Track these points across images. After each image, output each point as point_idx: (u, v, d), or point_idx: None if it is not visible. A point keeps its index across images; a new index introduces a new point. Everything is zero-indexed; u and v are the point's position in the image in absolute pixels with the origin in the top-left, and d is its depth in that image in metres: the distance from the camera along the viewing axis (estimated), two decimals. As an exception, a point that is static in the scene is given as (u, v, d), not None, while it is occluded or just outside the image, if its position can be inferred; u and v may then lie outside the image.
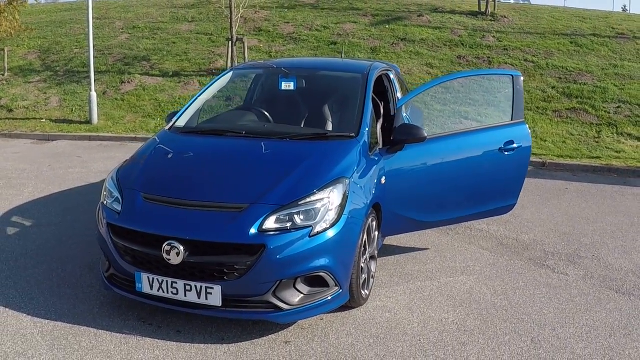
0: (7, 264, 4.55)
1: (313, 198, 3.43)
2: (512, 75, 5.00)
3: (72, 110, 11.45)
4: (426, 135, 4.25)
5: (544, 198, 7.00)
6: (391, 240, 5.15)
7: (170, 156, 4.10)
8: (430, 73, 12.24)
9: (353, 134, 4.12)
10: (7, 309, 3.81)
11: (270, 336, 3.53)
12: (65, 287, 4.17)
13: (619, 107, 10.63)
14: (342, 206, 3.49)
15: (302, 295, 3.36)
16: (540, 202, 6.82)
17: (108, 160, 8.50)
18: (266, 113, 4.77)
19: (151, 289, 3.41)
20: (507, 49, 13.33)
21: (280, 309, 3.32)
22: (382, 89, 5.27)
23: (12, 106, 11.67)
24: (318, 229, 3.35)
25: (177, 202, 3.51)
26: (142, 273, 3.42)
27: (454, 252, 5.09)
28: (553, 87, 11.58)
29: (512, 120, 4.91)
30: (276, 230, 3.29)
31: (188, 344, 3.43)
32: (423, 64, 12.55)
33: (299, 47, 13.65)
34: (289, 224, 3.32)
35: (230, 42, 11.92)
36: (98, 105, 10.85)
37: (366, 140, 4.12)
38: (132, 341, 3.45)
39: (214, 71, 12.14)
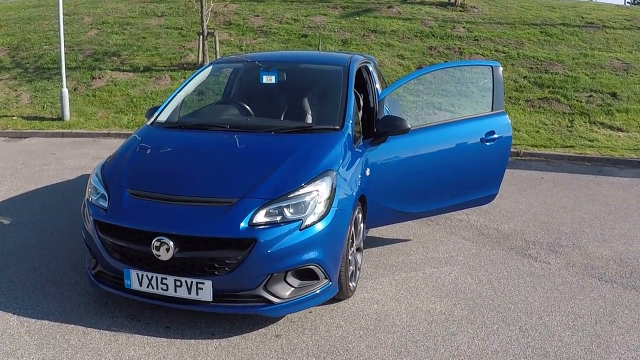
0: (-14, 264, 4.43)
1: (302, 191, 3.41)
2: (491, 66, 5.03)
3: (44, 107, 11.19)
4: (409, 126, 4.25)
5: (520, 188, 7.09)
6: (373, 232, 5.16)
7: (155, 151, 4.03)
8: (401, 64, 12.28)
9: (337, 127, 4.10)
10: (-9, 310, 3.71)
11: (260, 330, 3.51)
12: (50, 285, 4.08)
13: (590, 96, 10.82)
14: (331, 199, 3.47)
15: (293, 289, 3.34)
16: (517, 191, 6.91)
17: (82, 157, 8.33)
18: (248, 107, 4.71)
19: (140, 285, 3.36)
20: (477, 40, 13.45)
21: (271, 303, 3.30)
22: (362, 81, 5.25)
23: (-19, 104, 11.35)
24: (308, 222, 3.33)
25: (165, 197, 3.45)
26: (130, 270, 3.36)
27: (436, 243, 5.13)
28: (525, 77, 11.73)
29: (492, 110, 4.95)
30: (266, 224, 3.26)
31: (178, 340, 3.39)
32: (394, 56, 12.59)
33: (269, 41, 13.55)
34: (278, 218, 3.29)
35: (201, 36, 11.77)
36: (70, 102, 10.61)
37: (350, 132, 4.11)
38: (122, 338, 3.40)
39: (185, 65, 11.99)
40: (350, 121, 4.18)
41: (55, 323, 3.55)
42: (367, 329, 3.58)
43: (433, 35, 13.71)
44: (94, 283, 3.65)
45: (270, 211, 3.30)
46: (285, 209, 3.32)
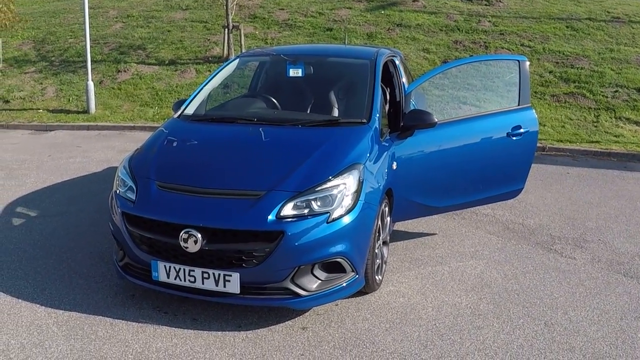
0: (15, 255, 4.52)
1: (329, 184, 3.42)
2: (518, 60, 5.00)
3: (69, 100, 11.35)
4: (436, 120, 4.23)
5: (546, 182, 7.02)
6: (399, 226, 5.16)
7: (182, 144, 4.07)
8: (427, 58, 12.20)
9: (364, 120, 4.11)
10: (20, 300, 3.79)
11: (287, 322, 3.54)
12: (77, 277, 4.15)
13: (616, 91, 10.65)
14: (358, 192, 3.48)
15: (320, 281, 3.36)
16: (542, 186, 6.84)
17: (108, 150, 8.45)
18: (274, 100, 4.73)
19: (168, 277, 3.40)
20: (503, 34, 13.30)
21: (298, 295, 3.32)
22: (388, 75, 5.24)
23: (9, 97, 11.55)
24: (335, 215, 3.34)
25: (193, 189, 3.48)
26: (158, 261, 3.40)
27: (462, 237, 5.11)
28: (550, 72, 11.58)
29: (519, 105, 4.92)
30: (294, 216, 3.28)
31: (205, 332, 3.43)
32: (420, 49, 12.51)
33: (294, 34, 13.55)
34: (306, 211, 3.30)
35: (226, 30, 11.82)
36: (95, 95, 10.75)
37: (377, 126, 4.11)
38: (149, 330, 3.45)
39: (210, 59, 12.05)
40: (377, 115, 4.18)
41: (83, 314, 3.61)
42: (393, 322, 3.59)
43: (458, 29, 13.59)
44: (122, 275, 3.69)
45: (298, 204, 3.32)
46: (312, 202, 3.34)
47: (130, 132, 9.70)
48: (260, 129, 4.10)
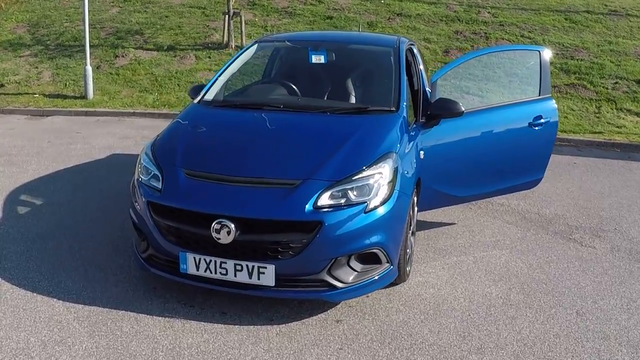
0: (25, 245, 4.32)
1: (366, 173, 3.32)
2: (538, 51, 4.95)
3: (66, 84, 11.08)
4: (464, 109, 4.14)
5: (555, 172, 6.98)
6: (418, 216, 5.07)
7: (208, 131, 3.93)
8: (428, 48, 12.10)
9: (393, 109, 4.01)
10: (36, 294, 3.59)
11: (319, 315, 3.43)
12: (92, 268, 3.97)
13: (616, 82, 10.65)
14: (393, 182, 3.39)
15: (356, 273, 3.26)
16: (553, 176, 6.79)
17: (109, 136, 8.24)
18: (295, 87, 4.61)
19: (197, 269, 3.24)
20: (502, 25, 13.23)
21: (334, 287, 3.21)
22: (408, 63, 5.14)
23: (3, 81, 11.25)
24: (372, 205, 3.25)
25: (224, 178, 3.32)
26: (187, 253, 3.23)
27: (481, 227, 5.05)
28: (551, 63, 11.46)
29: (539, 95, 4.87)
30: (331, 206, 3.16)
31: (237, 326, 3.30)
32: (421, 39, 12.40)
33: (294, 22, 13.36)
34: (343, 200, 3.19)
35: (226, 16, 11.60)
36: (93, 80, 10.50)
37: (405, 115, 4.01)
38: (177, 325, 3.30)
39: (210, 45, 11.84)
40: (405, 103, 4.09)
41: (104, 309, 3.44)
42: (427, 314, 3.52)
43: (458, 20, 13.48)
44: (144, 267, 3.52)
45: (334, 194, 3.21)
46: (349, 192, 3.23)
47: (130, 119, 9.48)
48: (289, 116, 3.98)
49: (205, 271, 3.23)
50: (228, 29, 11.41)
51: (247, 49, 5.01)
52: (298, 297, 3.32)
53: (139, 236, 3.58)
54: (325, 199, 3.17)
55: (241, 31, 11.44)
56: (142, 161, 3.72)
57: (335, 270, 3.20)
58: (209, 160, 3.53)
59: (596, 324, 3.48)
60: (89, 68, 10.40)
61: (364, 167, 3.34)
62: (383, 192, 3.30)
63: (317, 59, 4.62)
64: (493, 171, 4.66)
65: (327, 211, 3.13)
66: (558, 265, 4.32)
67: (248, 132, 3.88)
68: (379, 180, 3.31)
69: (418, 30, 12.95)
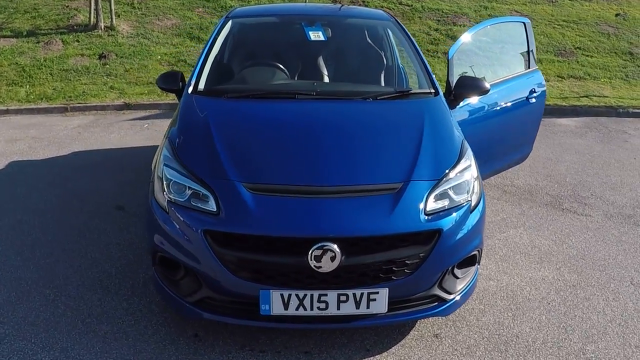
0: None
1: (459, 167, 3.09)
2: (524, 23, 5.07)
3: None
4: (489, 87, 4.06)
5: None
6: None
7: (243, 130, 3.33)
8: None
9: (432, 91, 3.81)
10: None
11: (412, 334, 3.17)
12: (95, 320, 3.32)
13: (502, 47, 11.41)
14: (477, 174, 3.21)
15: (458, 280, 3.04)
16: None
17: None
18: (296, 69, 4.21)
19: (286, 308, 2.71)
20: (379, -8, 13.47)
21: (444, 301, 2.97)
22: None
23: None
24: (473, 202, 3.04)
25: (304, 190, 2.83)
26: (271, 291, 2.70)
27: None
28: (436, 30, 12.04)
29: (529, 68, 5.01)
30: (440, 210, 2.88)
31: None
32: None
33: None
34: (446, 202, 2.92)
35: (90, -7, 10.31)
36: None
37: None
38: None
39: (75, 27, 10.46)
40: (437, 83, 3.91)
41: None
42: (511, 309, 3.47)
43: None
44: (193, 313, 2.91)
45: (438, 195, 2.92)
46: (449, 191, 2.96)
47: (4, 117, 7.93)
48: (329, 106, 3.59)
49: (297, 309, 2.71)
50: (96, 9, 10.15)
51: (220, 28, 4.39)
52: (410, 320, 3.00)
53: (176, 275, 2.94)
54: (431, 203, 2.87)
55: (110, 10, 10.25)
56: (167, 175, 3.00)
57: (445, 282, 2.95)
58: (272, 169, 2.99)
59: (659, 293, 3.72)
60: None
61: (455, 161, 3.10)
62: (476, 187, 3.11)
63: (316, 35, 4.22)
64: (502, 147, 4.73)
65: (441, 217, 2.85)
66: (577, 238, 4.51)
67: (293, 128, 3.37)
68: (472, 173, 3.11)
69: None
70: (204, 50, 4.11)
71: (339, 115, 3.51)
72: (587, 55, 11.33)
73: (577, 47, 11.54)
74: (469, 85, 3.99)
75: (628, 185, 5.77)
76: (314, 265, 2.62)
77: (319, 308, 2.71)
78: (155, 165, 3.32)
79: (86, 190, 5.24)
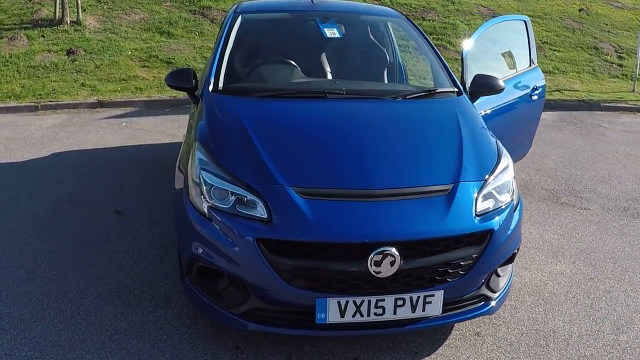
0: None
1: (500, 167, 3.11)
2: (524, 21, 5.14)
3: None
4: (504, 85, 4.10)
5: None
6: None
7: (283, 131, 3.23)
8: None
9: (455, 89, 3.82)
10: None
11: (454, 333, 3.18)
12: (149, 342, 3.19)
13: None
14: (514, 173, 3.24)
15: (500, 278, 3.07)
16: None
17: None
18: (313, 67, 4.17)
19: (342, 316, 2.65)
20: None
21: (489, 300, 3.00)
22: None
23: None
24: (515, 202, 3.08)
25: (354, 193, 2.77)
26: (328, 298, 2.63)
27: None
28: (406, 25, 12.12)
29: (530, 65, 5.10)
30: (489, 210, 2.89)
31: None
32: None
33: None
34: (492, 202, 2.94)
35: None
36: None
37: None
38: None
39: (40, 22, 10.02)
40: (458, 82, 3.93)
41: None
42: (541, 304, 3.54)
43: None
44: (239, 324, 2.80)
45: (485, 195, 2.93)
46: (493, 191, 2.98)
47: None
48: (361, 105, 3.56)
49: (353, 316, 2.66)
50: (61, 3, 9.76)
51: (231, 23, 4.24)
52: (462, 320, 2.99)
53: (218, 286, 2.84)
54: (480, 204, 2.89)
55: (77, 4, 9.87)
56: (206, 180, 2.84)
57: (492, 281, 2.98)
58: (321, 172, 2.91)
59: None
60: None
61: (496, 161, 3.12)
62: (514, 186, 3.14)
63: (331, 32, 4.17)
64: (505, 146, 4.76)
65: (490, 217, 2.86)
66: (582, 231, 4.63)
67: (333, 128, 3.28)
68: (511, 173, 3.15)
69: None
70: (217, 46, 3.96)
71: (375, 115, 3.47)
72: (555, 50, 11.65)
73: (544, 42, 11.84)
74: (485, 83, 4.01)
75: (617, 178, 5.95)
76: (373, 271, 2.59)
77: (375, 314, 2.68)
78: (182, 167, 3.21)
79: (77, 193, 5.03)
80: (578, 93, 9.82)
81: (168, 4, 11.34)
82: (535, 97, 4.93)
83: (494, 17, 12.35)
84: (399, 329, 2.85)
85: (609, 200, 5.32)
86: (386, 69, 4.43)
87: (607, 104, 9.38)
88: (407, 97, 3.68)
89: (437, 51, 4.23)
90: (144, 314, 3.29)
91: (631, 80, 10.48)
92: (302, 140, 3.17)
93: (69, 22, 9.91)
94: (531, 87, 4.92)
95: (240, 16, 4.32)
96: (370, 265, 2.58)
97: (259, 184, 2.79)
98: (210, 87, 3.64)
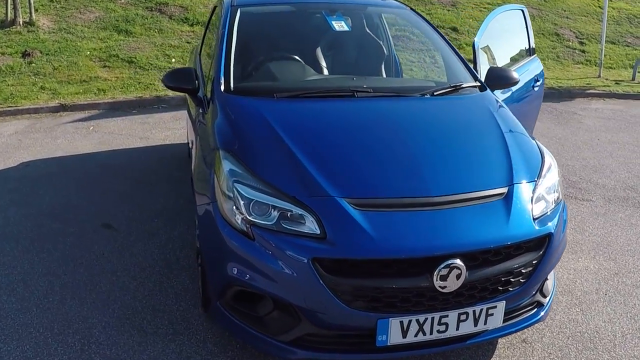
0: None
1: (546, 167, 2.97)
2: (521, 10, 5.07)
3: None
4: (519, 78, 3.98)
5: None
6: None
7: (320, 136, 2.95)
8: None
9: (479, 84, 3.67)
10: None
11: (502, 341, 3.05)
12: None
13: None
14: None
15: (548, 281, 2.94)
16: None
17: None
18: (325, 63, 3.96)
19: (404, 336, 2.45)
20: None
21: (541, 305, 2.87)
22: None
23: None
24: (562, 201, 2.94)
25: (409, 202, 2.54)
26: (390, 319, 2.42)
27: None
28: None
29: (530, 55, 5.04)
30: (545, 213, 2.74)
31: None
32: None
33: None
34: (543, 204, 2.78)
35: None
36: None
37: None
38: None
39: (-6, 22, 9.42)
40: (478, 76, 3.80)
41: None
42: (575, 304, 3.44)
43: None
44: (287, 351, 2.54)
45: (538, 197, 2.78)
46: (544, 192, 2.83)
47: None
48: (392, 104, 3.34)
49: (415, 335, 2.47)
50: (13, 3, 9.15)
51: (231, 18, 3.93)
52: (520, 330, 2.81)
53: (260, 311, 2.59)
54: (535, 206, 2.73)
55: (30, 3, 9.28)
56: (243, 193, 2.55)
57: (544, 286, 2.85)
58: (371, 180, 2.66)
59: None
60: None
61: (542, 160, 2.99)
62: (559, 185, 3.01)
63: (339, 25, 3.95)
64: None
65: (546, 219, 2.71)
66: (591, 224, 4.59)
67: (372, 131, 3.03)
68: (555, 171, 3.02)
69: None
70: (221, 44, 3.64)
71: (410, 114, 3.27)
72: (518, 38, 11.75)
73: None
74: (500, 76, 3.87)
75: (607, 167, 5.97)
76: (439, 286, 2.39)
77: (438, 331, 2.50)
78: (203, 178, 2.94)
79: (57, 206, 4.66)
80: (546, 80, 9.89)
81: (123, 1, 10.83)
82: (536, 88, 4.87)
83: (453, 5, 12.43)
84: (459, 345, 2.66)
85: (607, 190, 5.31)
86: (384, 62, 4.29)
87: (577, 91, 9.50)
88: (435, 94, 3.50)
89: (451, 43, 4.07)
90: (164, 342, 3.00)
91: (596, 66, 10.68)
92: (342, 146, 2.89)
93: (21, 22, 9.33)
94: (533, 78, 4.85)
95: (238, 10, 4.03)
96: (437, 280, 2.39)
97: (307, 196, 2.53)
98: (222, 88, 3.34)
